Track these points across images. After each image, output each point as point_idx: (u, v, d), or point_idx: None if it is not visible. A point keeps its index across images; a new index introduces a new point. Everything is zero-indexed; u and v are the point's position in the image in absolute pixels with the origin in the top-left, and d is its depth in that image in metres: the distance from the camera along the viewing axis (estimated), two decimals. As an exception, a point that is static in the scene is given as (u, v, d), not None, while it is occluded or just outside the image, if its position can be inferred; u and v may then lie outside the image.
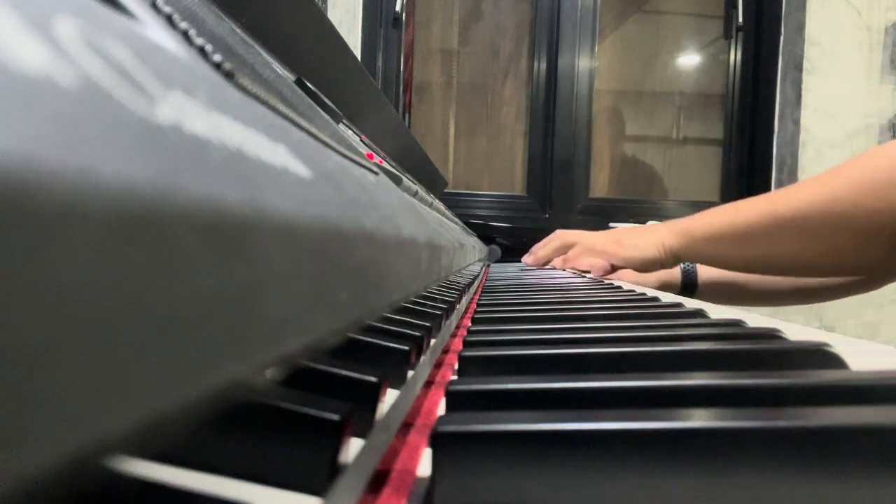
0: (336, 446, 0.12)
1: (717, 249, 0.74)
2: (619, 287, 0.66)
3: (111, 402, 0.06)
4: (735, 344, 0.27)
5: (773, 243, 0.67)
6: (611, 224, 1.66)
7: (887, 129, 1.69)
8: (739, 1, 1.81)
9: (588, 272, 0.98)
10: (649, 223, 1.57)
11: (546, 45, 1.85)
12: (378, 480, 0.15)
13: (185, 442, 0.10)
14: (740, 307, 0.97)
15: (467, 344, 0.29)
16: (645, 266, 0.84)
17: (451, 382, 0.19)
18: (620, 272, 0.94)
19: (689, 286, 1.06)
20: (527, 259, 1.08)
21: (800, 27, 1.70)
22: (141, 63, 0.09)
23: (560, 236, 0.99)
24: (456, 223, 1.09)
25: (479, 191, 1.89)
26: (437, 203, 0.98)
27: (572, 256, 0.95)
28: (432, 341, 0.27)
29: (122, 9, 0.11)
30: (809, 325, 0.67)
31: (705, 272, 1.04)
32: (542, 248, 1.02)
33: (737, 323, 0.33)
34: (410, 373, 0.20)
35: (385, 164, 0.58)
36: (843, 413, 0.15)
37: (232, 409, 0.10)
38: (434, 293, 0.36)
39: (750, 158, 1.83)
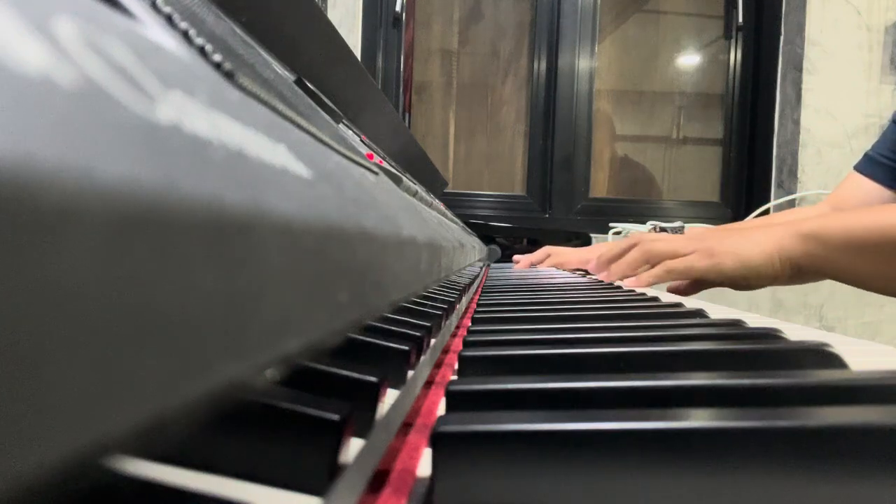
0: (336, 446, 0.12)
1: (858, 263, 0.56)
2: (619, 287, 0.66)
3: (111, 402, 0.06)
4: (735, 344, 0.27)
5: None
6: (610, 224, 1.66)
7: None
8: (739, 1, 1.81)
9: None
10: (650, 223, 1.57)
11: (546, 45, 1.85)
12: (378, 480, 0.15)
13: (185, 442, 0.10)
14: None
15: (467, 344, 0.29)
16: (748, 280, 0.63)
17: (451, 382, 0.19)
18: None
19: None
20: (599, 272, 0.79)
21: (800, 27, 1.70)
22: (141, 63, 0.09)
23: (640, 247, 0.73)
24: (456, 223, 1.09)
25: (479, 191, 1.89)
26: (437, 203, 0.98)
27: (654, 278, 0.70)
28: (432, 341, 0.27)
29: (122, 9, 0.11)
30: (809, 325, 0.64)
31: None
32: (616, 262, 0.76)
33: (737, 323, 0.33)
34: (410, 373, 0.20)
35: (385, 164, 0.58)
36: (843, 413, 0.15)
37: (232, 409, 0.10)
38: (434, 293, 0.36)
39: (750, 158, 1.83)
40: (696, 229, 0.75)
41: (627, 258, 0.74)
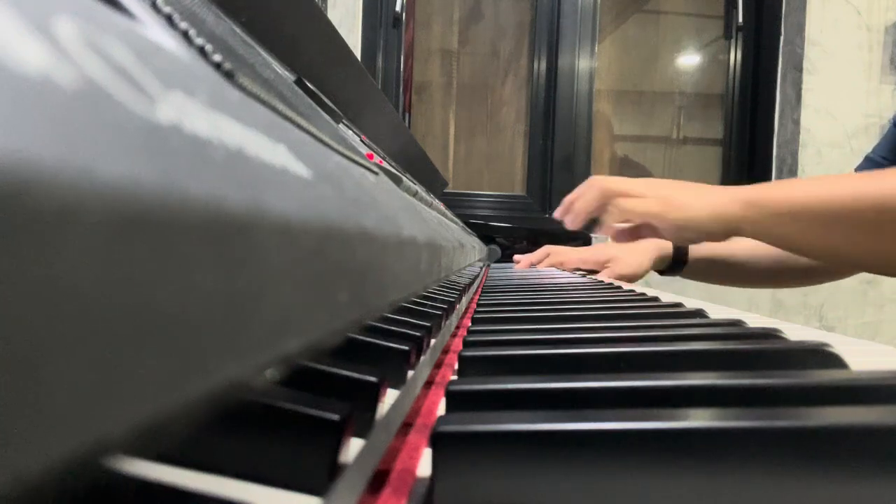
0: (336, 446, 0.12)
1: (792, 229, 0.59)
2: (619, 287, 0.66)
3: (111, 402, 0.06)
4: (735, 344, 0.27)
5: (871, 230, 0.53)
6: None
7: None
8: (739, 1, 1.81)
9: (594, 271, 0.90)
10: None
11: (546, 45, 1.85)
12: (378, 480, 0.15)
13: (186, 442, 0.10)
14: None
15: (467, 344, 0.29)
16: (690, 233, 0.67)
17: (451, 382, 0.19)
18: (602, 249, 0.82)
19: (679, 261, 0.96)
20: (563, 216, 0.83)
21: (800, 27, 1.70)
22: (141, 63, 0.09)
23: (596, 185, 0.76)
24: (456, 223, 1.09)
25: (479, 191, 1.89)
26: (437, 203, 0.98)
27: (612, 218, 0.73)
28: (432, 341, 0.27)
29: (122, 9, 0.11)
30: (809, 325, 0.65)
31: (697, 248, 0.93)
32: (577, 202, 0.79)
33: (737, 323, 0.33)
34: (410, 373, 0.20)
35: (385, 164, 0.58)
36: (843, 413, 0.15)
37: (232, 409, 0.10)
38: (434, 293, 0.36)
39: (750, 158, 1.83)
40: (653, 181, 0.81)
41: (586, 197, 0.77)
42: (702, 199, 0.67)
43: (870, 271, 0.62)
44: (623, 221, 0.74)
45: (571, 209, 0.81)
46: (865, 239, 0.55)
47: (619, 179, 0.76)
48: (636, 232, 0.76)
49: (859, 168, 0.93)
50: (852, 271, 0.81)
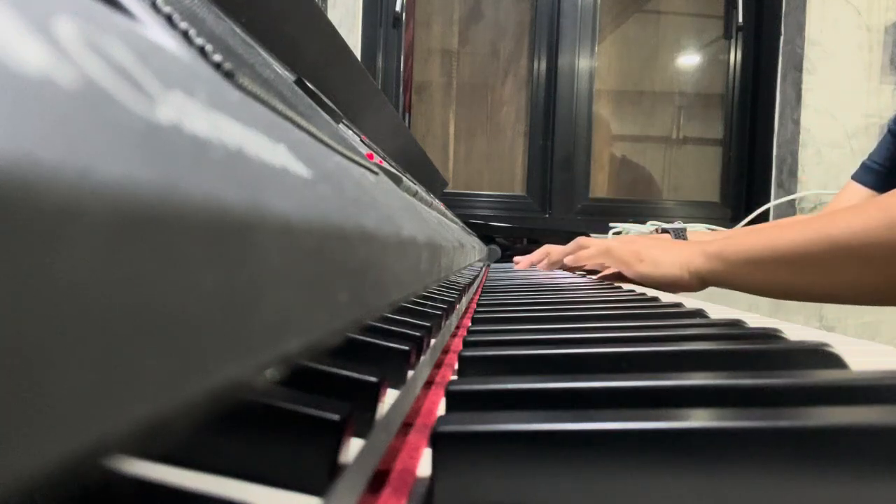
0: (336, 446, 0.12)
1: (754, 275, 0.67)
2: (619, 287, 0.66)
3: (111, 402, 0.06)
4: (735, 344, 0.27)
5: (824, 270, 0.60)
6: (611, 224, 1.66)
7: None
8: (739, 1, 1.81)
9: (595, 272, 0.98)
10: (650, 223, 1.57)
11: (546, 45, 1.85)
12: (378, 480, 0.15)
13: (186, 442, 0.10)
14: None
15: (467, 344, 0.29)
16: (663, 286, 0.77)
17: (451, 382, 0.19)
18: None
19: None
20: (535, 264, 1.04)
21: (800, 27, 1.70)
22: (141, 63, 0.09)
23: (577, 240, 0.96)
24: (456, 223, 1.09)
25: (479, 191, 1.89)
26: (437, 203, 0.98)
27: (584, 256, 0.91)
28: (432, 341, 0.27)
29: (122, 9, 0.11)
30: (809, 325, 0.66)
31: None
32: (575, 258, 0.98)
33: (737, 323, 0.33)
34: (410, 373, 0.20)
35: (385, 164, 0.58)
36: (843, 413, 0.15)
37: (232, 409, 0.10)
38: (434, 293, 0.36)
39: (750, 158, 1.83)
40: (697, 231, 0.88)
41: (586, 253, 0.93)
42: (670, 254, 0.77)
43: (837, 303, 0.68)
44: (596, 268, 0.90)
45: (564, 262, 0.97)
46: (819, 276, 0.61)
47: (602, 240, 0.92)
48: (616, 279, 0.90)
49: (856, 175, 0.96)
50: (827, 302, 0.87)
